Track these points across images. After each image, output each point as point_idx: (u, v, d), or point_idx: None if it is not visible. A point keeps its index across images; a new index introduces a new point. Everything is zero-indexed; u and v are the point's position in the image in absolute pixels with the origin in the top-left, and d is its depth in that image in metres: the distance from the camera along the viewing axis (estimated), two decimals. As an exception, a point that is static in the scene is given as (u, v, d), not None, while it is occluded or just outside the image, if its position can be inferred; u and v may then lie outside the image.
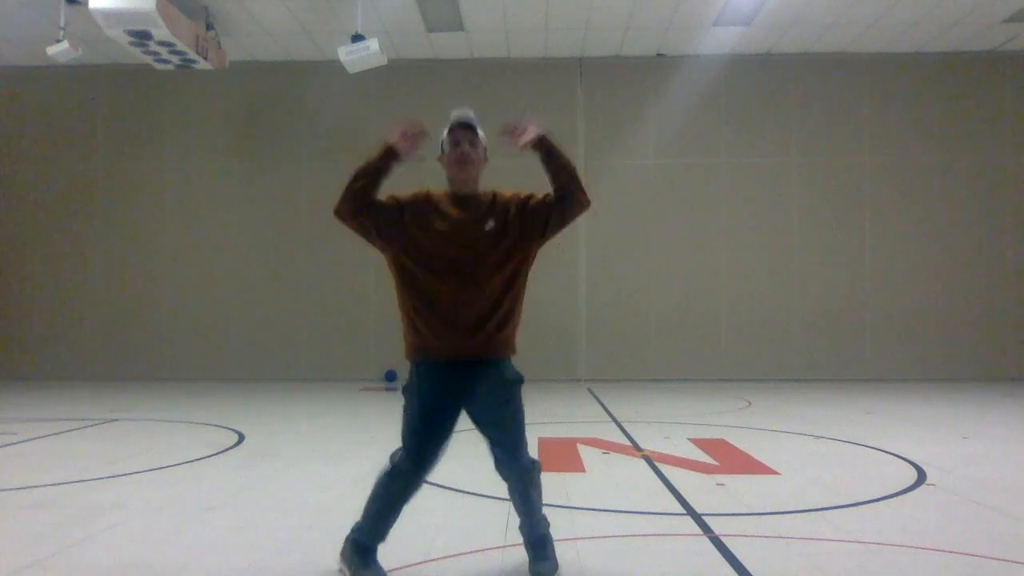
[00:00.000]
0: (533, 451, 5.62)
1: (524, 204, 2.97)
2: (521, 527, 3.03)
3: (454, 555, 3.18)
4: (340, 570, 3.00)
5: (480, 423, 2.92)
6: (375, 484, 2.95)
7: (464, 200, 2.97)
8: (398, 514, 2.93)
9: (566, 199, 2.94)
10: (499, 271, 2.89)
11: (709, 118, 11.93)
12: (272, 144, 12.16)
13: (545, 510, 3.05)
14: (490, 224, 2.90)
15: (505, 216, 2.93)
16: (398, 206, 2.97)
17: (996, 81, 11.78)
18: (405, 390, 2.92)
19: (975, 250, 11.68)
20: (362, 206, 2.96)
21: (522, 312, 3.00)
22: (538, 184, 3.04)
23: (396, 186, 3.07)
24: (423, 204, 2.96)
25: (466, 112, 2.98)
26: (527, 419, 3.00)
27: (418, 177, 3.11)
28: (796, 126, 11.91)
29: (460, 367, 2.84)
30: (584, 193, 2.97)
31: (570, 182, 2.95)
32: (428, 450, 2.83)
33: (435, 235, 2.90)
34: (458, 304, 2.84)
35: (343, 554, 2.99)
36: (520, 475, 2.95)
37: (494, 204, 2.97)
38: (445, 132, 3.00)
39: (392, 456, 2.94)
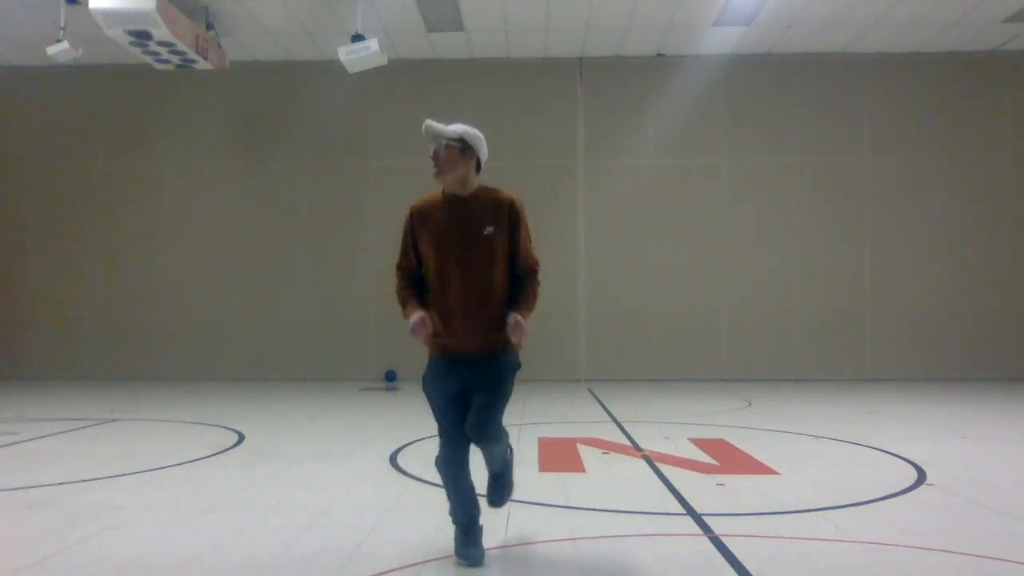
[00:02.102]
0: (533, 451, 5.63)
1: (511, 230, 3.12)
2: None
3: (454, 555, 3.17)
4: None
5: (471, 397, 3.14)
6: (440, 476, 3.26)
7: (460, 201, 3.12)
8: (468, 485, 3.21)
9: (521, 284, 3.18)
10: (497, 272, 3.08)
11: (709, 118, 11.93)
12: (272, 144, 12.16)
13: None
14: (489, 229, 3.06)
15: (501, 220, 3.09)
16: (413, 228, 3.18)
17: (996, 81, 11.78)
18: (422, 381, 3.25)
19: (975, 250, 11.68)
20: (414, 278, 3.22)
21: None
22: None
23: (415, 193, 3.28)
24: (427, 211, 3.16)
25: (427, 125, 3.10)
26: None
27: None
28: (796, 126, 11.91)
29: (463, 363, 3.09)
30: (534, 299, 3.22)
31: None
32: (452, 428, 3.15)
33: (435, 237, 3.10)
34: (459, 303, 3.05)
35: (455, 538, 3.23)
36: (483, 442, 3.15)
37: (494, 206, 3.11)
38: None
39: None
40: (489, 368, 3.08)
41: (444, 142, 3.08)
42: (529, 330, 3.08)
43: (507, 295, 3.11)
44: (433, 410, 3.21)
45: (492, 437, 3.14)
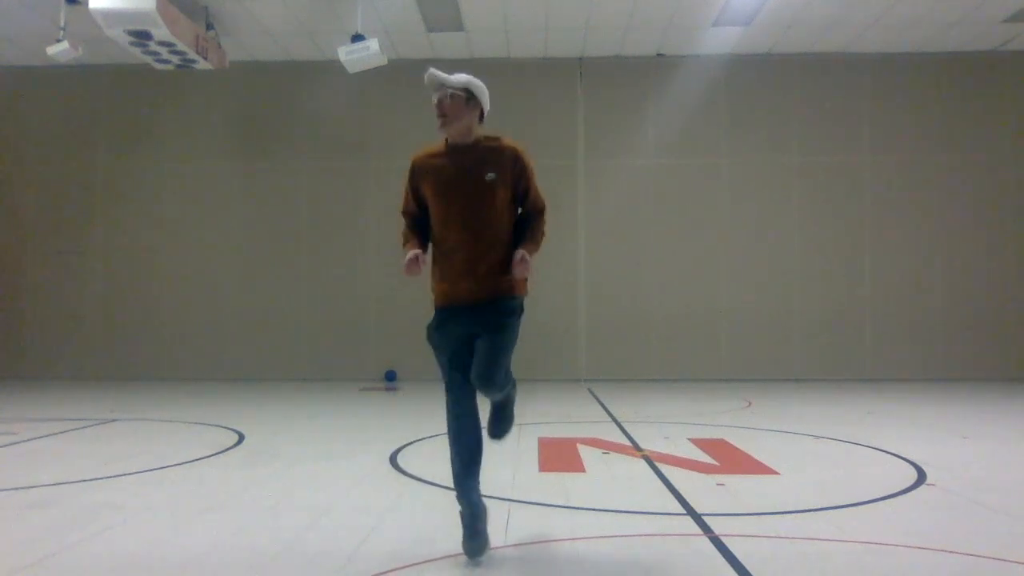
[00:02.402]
0: (533, 451, 5.62)
1: (517, 179, 3.17)
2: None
3: (454, 555, 3.18)
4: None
5: (476, 341, 3.16)
6: (446, 430, 3.23)
7: (462, 150, 3.16)
8: (473, 450, 3.16)
9: (528, 222, 3.25)
10: (498, 218, 3.11)
11: (709, 118, 11.93)
12: (272, 144, 12.16)
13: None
14: (490, 175, 3.09)
15: (504, 167, 3.12)
16: (414, 178, 3.23)
17: (996, 81, 11.78)
18: (427, 331, 3.25)
19: (975, 250, 11.68)
20: (416, 222, 3.30)
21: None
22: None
23: (417, 144, 3.36)
24: (428, 161, 3.20)
25: (430, 74, 3.14)
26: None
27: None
28: (796, 126, 11.91)
29: (467, 310, 3.12)
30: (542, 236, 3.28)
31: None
32: (458, 377, 3.16)
33: (437, 185, 3.14)
34: (461, 249, 3.09)
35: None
36: (489, 391, 3.17)
37: (495, 154, 3.15)
38: None
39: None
40: (493, 313, 3.11)
41: (449, 91, 3.11)
42: (533, 267, 3.11)
43: (509, 240, 3.15)
44: (439, 360, 3.22)
45: (498, 385, 3.15)
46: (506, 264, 3.11)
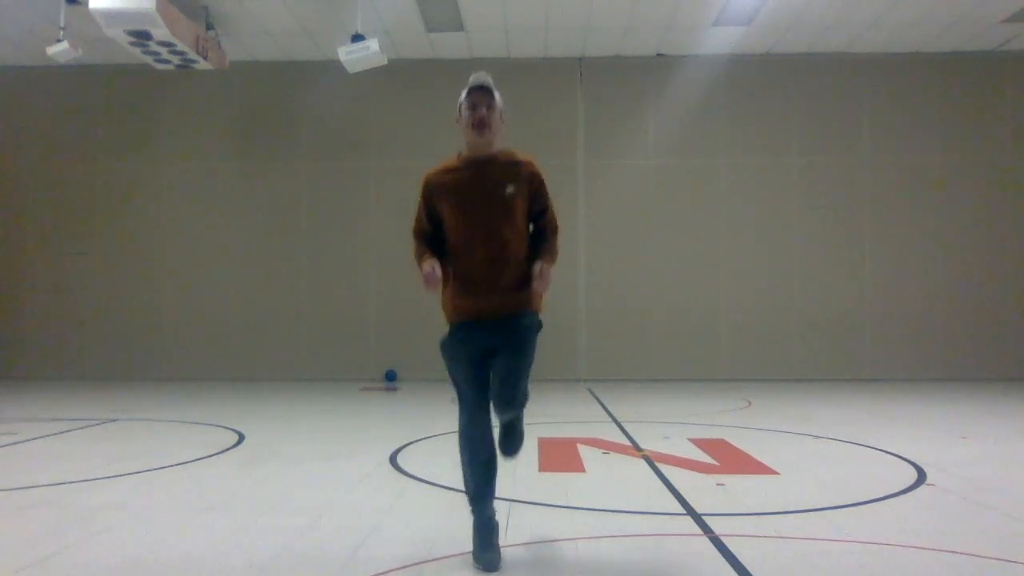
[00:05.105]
0: (533, 451, 5.62)
1: (534, 195, 3.12)
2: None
3: (454, 555, 3.18)
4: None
5: (493, 363, 3.10)
6: (459, 447, 3.18)
7: (481, 163, 3.10)
8: (487, 467, 3.12)
9: (543, 238, 3.18)
10: (517, 232, 3.07)
11: (709, 118, 11.93)
12: (272, 144, 12.16)
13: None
14: (509, 189, 3.05)
15: (521, 182, 3.07)
16: (429, 196, 3.14)
17: (996, 81, 11.78)
18: (440, 347, 3.18)
19: (975, 250, 11.68)
20: (429, 241, 3.20)
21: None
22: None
23: (415, 193, 3.25)
24: (444, 177, 3.12)
25: (484, 76, 3.07)
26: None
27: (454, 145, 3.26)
28: (796, 126, 11.91)
29: (485, 325, 3.07)
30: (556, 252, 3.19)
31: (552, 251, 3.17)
32: (474, 393, 3.12)
33: (456, 200, 3.07)
34: (480, 264, 3.04)
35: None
36: (509, 411, 3.15)
37: (513, 168, 3.10)
38: (463, 95, 3.09)
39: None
40: (511, 330, 3.06)
41: (491, 103, 3.05)
42: (551, 280, 3.05)
43: (526, 254, 3.10)
44: (454, 377, 3.17)
45: (518, 406, 3.13)
46: (524, 280, 3.05)
